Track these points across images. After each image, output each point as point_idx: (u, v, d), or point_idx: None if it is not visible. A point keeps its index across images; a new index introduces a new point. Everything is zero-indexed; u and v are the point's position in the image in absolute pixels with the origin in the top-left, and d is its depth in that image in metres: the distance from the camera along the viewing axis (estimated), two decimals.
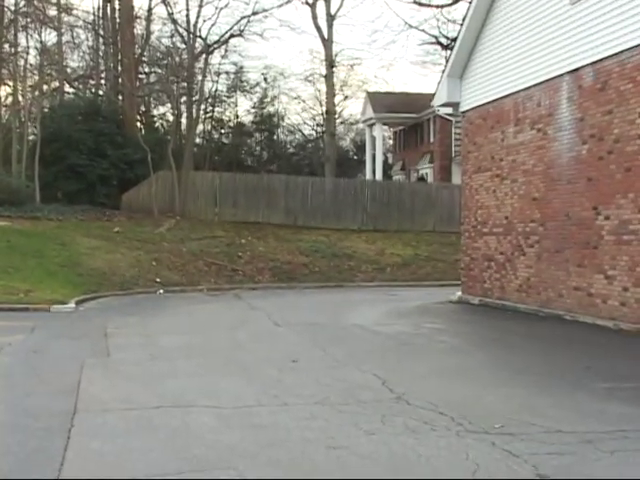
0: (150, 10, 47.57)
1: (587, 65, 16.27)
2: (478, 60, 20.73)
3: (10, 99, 44.82)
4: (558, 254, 17.36)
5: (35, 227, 31.48)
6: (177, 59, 47.89)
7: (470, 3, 20.88)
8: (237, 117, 57.29)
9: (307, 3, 49.08)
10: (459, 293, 21.86)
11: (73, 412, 8.70)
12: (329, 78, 50.23)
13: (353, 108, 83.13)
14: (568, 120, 17.01)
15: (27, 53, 43.09)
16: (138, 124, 47.66)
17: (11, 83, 42.62)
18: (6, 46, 41.78)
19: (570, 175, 16.95)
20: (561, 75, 17.19)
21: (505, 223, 19.63)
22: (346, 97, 60.78)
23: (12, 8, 40.67)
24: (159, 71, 49.84)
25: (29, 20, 41.48)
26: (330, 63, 49.40)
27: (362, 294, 25.66)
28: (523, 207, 18.84)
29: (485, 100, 20.47)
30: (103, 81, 50.93)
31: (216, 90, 54.02)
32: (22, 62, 42.30)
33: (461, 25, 21.62)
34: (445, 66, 22.76)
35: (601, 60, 15.81)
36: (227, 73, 54.41)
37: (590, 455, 6.89)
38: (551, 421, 7.97)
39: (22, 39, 43.00)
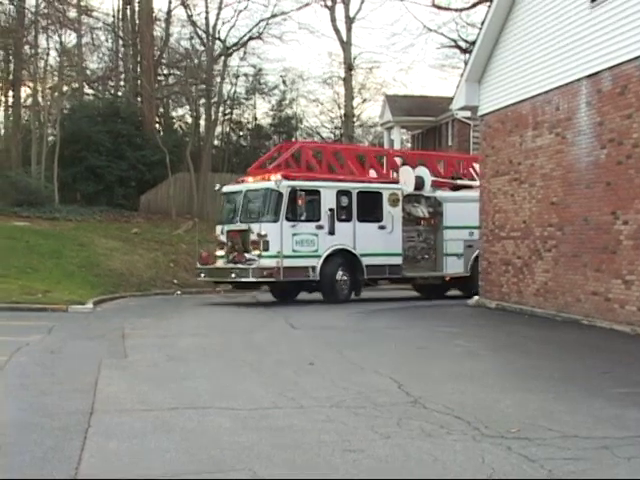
0: (169, 12, 47.77)
1: (606, 69, 16.21)
2: (497, 64, 20.68)
3: (30, 100, 45.08)
4: (576, 258, 17.30)
5: (53, 228, 31.65)
6: (196, 61, 48.04)
7: (489, 7, 20.84)
8: (255, 119, 57.35)
9: (326, 6, 49.04)
10: (476, 297, 21.82)
11: (90, 412, 8.75)
12: (347, 81, 50.18)
13: (371, 111, 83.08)
14: (587, 124, 16.95)
15: (47, 54, 43.39)
16: (157, 126, 47.83)
17: (31, 84, 42.87)
18: (26, 47, 42.04)
19: (588, 179, 16.89)
20: (580, 79, 17.13)
21: (523, 227, 19.58)
22: (364, 100, 60.75)
23: (32, 10, 40.93)
24: (178, 73, 49.96)
25: (49, 22, 41.67)
26: (349, 66, 49.36)
27: (381, 294, 25.60)
28: (541, 211, 18.78)
29: (503, 104, 20.43)
30: (122, 83, 51.16)
31: (235, 92, 54.11)
32: (42, 63, 42.60)
33: (480, 29, 21.59)
34: (464, 70, 22.73)
35: (620, 64, 15.74)
36: (246, 75, 54.45)
37: (607, 461, 6.86)
38: (567, 426, 7.94)
39: (42, 40, 43.26)
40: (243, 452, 7.19)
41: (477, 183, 26.85)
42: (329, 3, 49.01)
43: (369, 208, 23.83)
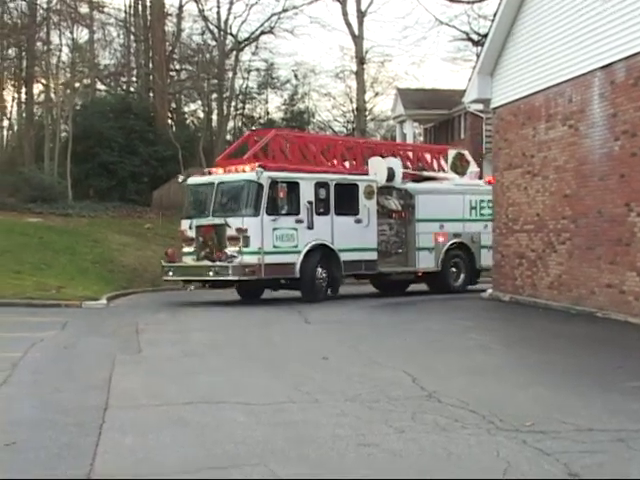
0: (181, 7, 47.91)
1: (619, 60, 16.12)
2: (509, 56, 20.60)
3: (42, 97, 45.23)
4: (590, 251, 17.22)
5: (67, 224, 31.73)
6: (208, 56, 48.16)
7: None
8: (268, 114, 57.44)
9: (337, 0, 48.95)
10: (490, 290, 21.76)
11: (104, 408, 8.76)
12: (359, 75, 50.06)
13: (383, 105, 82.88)
14: (600, 116, 16.86)
15: (59, 51, 43.65)
16: (169, 121, 47.92)
17: (44, 81, 43.02)
18: (38, 44, 42.18)
19: (602, 172, 16.81)
20: (593, 71, 17.04)
21: (536, 220, 19.51)
22: (376, 94, 60.72)
23: (44, 6, 41.07)
24: (190, 68, 50.10)
25: (61, 18, 41.83)
26: (360, 60, 49.24)
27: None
28: (554, 204, 18.71)
29: (516, 96, 20.35)
30: (134, 78, 51.29)
31: (246, 87, 54.22)
32: (54, 60, 42.77)
33: (492, 21, 21.50)
34: (476, 62, 22.64)
35: (634, 55, 15.64)
36: (257, 70, 54.55)
37: (623, 454, 6.83)
38: (582, 420, 7.91)
39: (54, 37, 43.53)
40: (257, 446, 7.19)
41: (442, 175, 26.48)
42: None
43: (346, 201, 22.44)
